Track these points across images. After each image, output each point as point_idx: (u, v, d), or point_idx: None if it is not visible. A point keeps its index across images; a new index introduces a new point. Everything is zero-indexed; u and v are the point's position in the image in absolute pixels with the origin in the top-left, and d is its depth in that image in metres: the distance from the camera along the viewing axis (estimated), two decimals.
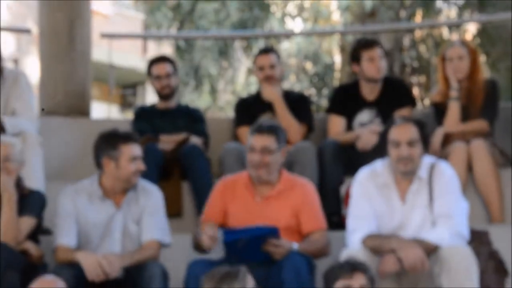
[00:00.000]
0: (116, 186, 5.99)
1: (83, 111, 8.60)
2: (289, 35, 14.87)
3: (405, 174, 5.70)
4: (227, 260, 5.60)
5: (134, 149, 5.99)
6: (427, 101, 12.00)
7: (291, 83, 13.85)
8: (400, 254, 5.40)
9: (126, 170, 5.93)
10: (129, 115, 17.61)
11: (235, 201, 6.09)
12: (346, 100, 7.60)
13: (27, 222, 5.85)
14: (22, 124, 6.88)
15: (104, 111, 14.43)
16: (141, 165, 6.02)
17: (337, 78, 15.31)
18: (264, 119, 7.28)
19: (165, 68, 7.97)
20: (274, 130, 6.09)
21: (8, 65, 7.33)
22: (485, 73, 7.34)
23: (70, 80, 8.49)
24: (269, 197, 6.02)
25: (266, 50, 8.50)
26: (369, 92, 7.48)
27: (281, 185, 6.05)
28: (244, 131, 7.16)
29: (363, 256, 5.38)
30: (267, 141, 5.97)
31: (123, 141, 6.01)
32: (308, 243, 5.84)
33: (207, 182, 6.77)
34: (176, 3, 15.52)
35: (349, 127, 7.42)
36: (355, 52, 7.79)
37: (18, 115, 7.00)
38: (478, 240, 5.76)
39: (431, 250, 5.42)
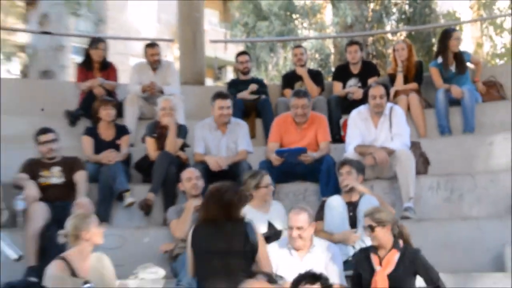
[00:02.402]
0: (219, 122, 5.95)
1: (201, 82, 8.49)
2: (306, 38, 14.75)
3: (378, 114, 5.72)
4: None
5: (222, 102, 5.91)
6: (381, 74, 11.85)
7: (307, 65, 13.71)
8: (374, 155, 5.48)
9: (216, 113, 5.91)
10: (219, 84, 17.65)
11: (287, 131, 5.99)
12: (342, 73, 7.47)
13: (179, 141, 5.93)
14: (173, 90, 6.86)
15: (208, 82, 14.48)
16: (225, 111, 5.92)
17: (332, 62, 15.13)
18: (298, 87, 7.20)
19: (245, 57, 7.86)
20: (307, 95, 6.01)
21: (162, 58, 7.38)
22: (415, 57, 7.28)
23: (194, 66, 8.37)
24: (304, 128, 5.91)
25: (298, 45, 8.46)
26: (354, 68, 7.31)
27: (309, 120, 5.93)
28: (288, 92, 7.07)
29: (355, 156, 5.47)
30: (305, 101, 5.88)
31: (217, 97, 5.96)
32: (320, 152, 5.76)
33: (271, 118, 6.57)
34: (245, 22, 15.59)
35: (344, 87, 7.27)
36: (345, 47, 7.71)
37: (170, 85, 6.98)
38: (414, 146, 5.78)
39: (390, 152, 5.48)
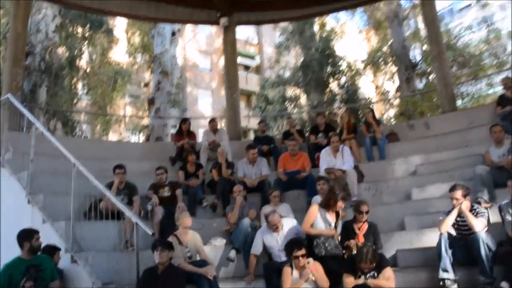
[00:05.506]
0: (250, 160, 5.79)
1: (239, 138, 8.12)
2: (292, 113, 14.64)
3: (336, 151, 5.57)
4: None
5: (251, 150, 5.75)
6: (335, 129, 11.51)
7: (295, 127, 13.59)
8: (335, 173, 5.34)
9: (249, 156, 5.76)
10: (247, 139, 17.27)
11: (287, 162, 5.78)
12: (314, 130, 7.03)
13: (229, 171, 5.71)
14: (225, 143, 6.69)
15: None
16: (250, 156, 5.65)
17: (307, 124, 14.80)
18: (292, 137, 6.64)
19: (263, 123, 7.25)
20: (295, 139, 5.92)
21: (218, 127, 7.13)
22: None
23: (234, 130, 8.05)
24: (295, 159, 5.75)
25: (289, 117, 8.14)
26: (321, 127, 6.93)
27: (298, 155, 5.79)
28: (286, 142, 6.48)
29: (324, 174, 5.32)
30: (294, 142, 5.82)
31: (249, 148, 5.82)
32: (306, 172, 5.60)
33: (277, 157, 6.11)
34: (260, 106, 15.71)
35: (316, 138, 6.83)
36: (315, 116, 7.55)
37: (223, 141, 6.75)
38: (355, 167, 5.59)
39: (343, 171, 5.34)
